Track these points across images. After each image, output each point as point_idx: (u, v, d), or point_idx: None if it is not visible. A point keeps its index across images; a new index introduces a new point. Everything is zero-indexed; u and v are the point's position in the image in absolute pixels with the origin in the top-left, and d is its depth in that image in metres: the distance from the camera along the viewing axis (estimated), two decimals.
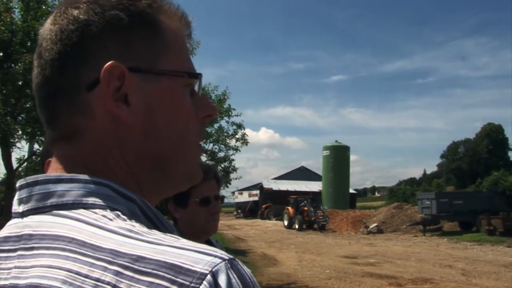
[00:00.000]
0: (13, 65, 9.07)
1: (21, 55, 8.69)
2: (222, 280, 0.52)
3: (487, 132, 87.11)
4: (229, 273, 0.53)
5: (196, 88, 0.74)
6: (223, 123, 16.97)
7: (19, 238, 0.61)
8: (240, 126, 17.14)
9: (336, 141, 58.16)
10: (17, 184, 0.67)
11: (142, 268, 0.52)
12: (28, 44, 8.76)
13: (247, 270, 0.56)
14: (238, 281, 0.53)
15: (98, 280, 0.52)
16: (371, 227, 30.35)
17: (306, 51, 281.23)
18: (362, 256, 17.18)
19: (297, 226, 32.46)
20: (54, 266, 0.55)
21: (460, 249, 19.99)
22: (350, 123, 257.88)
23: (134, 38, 0.67)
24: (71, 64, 0.65)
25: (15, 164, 11.01)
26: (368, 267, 14.44)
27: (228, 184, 17.42)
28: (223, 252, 0.56)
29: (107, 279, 0.52)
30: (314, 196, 38.53)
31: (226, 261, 0.54)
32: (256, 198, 61.93)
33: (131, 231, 0.56)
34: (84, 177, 0.63)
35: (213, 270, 0.52)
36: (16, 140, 10.34)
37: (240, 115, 17.02)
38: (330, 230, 32.20)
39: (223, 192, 17.32)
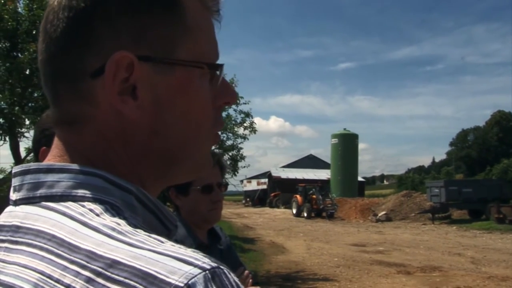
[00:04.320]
0: (19, 54, 9.07)
1: (27, 44, 8.68)
2: None
3: (497, 119, 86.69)
4: (209, 286, 0.48)
5: (217, 74, 0.67)
6: (231, 111, 16.89)
7: (9, 228, 0.60)
8: (248, 115, 17.08)
9: (345, 129, 58.19)
10: (12, 171, 0.64)
11: (115, 276, 0.48)
12: (34, 33, 8.73)
13: (233, 280, 0.51)
14: None
15: (68, 286, 0.50)
16: (379, 215, 30.33)
17: (313, 38, 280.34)
18: (371, 244, 17.17)
19: (305, 214, 32.52)
20: (29, 266, 0.54)
21: (469, 237, 19.92)
22: (358, 110, 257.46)
23: (150, 23, 0.60)
24: (76, 47, 0.60)
25: (23, 154, 11.05)
26: (377, 255, 14.43)
27: (236, 173, 17.42)
28: (207, 260, 0.51)
29: (78, 286, 0.49)
30: (323, 184, 38.58)
31: (207, 272, 0.49)
32: (265, 187, 62.21)
33: (114, 229, 0.53)
34: (76, 167, 0.60)
35: (189, 282, 0.48)
36: (24, 130, 10.36)
37: (248, 103, 16.97)
38: (338, 218, 32.23)
39: (232, 180, 17.36)
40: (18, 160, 10.75)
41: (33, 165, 0.62)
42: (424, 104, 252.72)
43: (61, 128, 0.65)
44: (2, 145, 9.82)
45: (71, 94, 0.62)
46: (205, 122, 0.66)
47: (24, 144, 11.32)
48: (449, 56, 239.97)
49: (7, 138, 9.78)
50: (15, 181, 0.63)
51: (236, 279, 0.52)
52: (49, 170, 0.61)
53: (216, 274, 0.50)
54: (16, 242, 0.57)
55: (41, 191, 0.60)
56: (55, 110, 0.65)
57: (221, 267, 0.51)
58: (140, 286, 0.47)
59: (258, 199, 59.99)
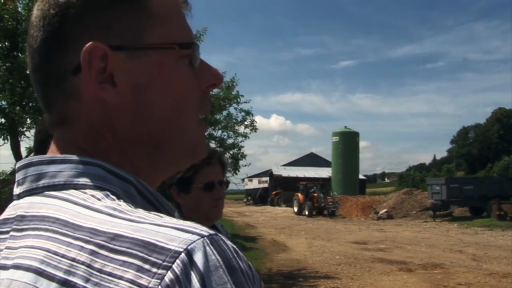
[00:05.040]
0: (19, 54, 9.06)
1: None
2: (198, 257, 0.50)
3: (498, 117, 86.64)
4: (208, 249, 0.50)
5: (195, 57, 0.69)
6: (231, 109, 16.90)
7: (13, 219, 0.62)
8: (248, 113, 17.07)
9: (346, 127, 58.01)
10: (16, 166, 0.67)
11: (117, 247, 0.51)
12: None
13: (231, 246, 0.53)
14: (218, 257, 0.50)
15: (73, 259, 0.52)
16: (381, 212, 30.30)
17: (314, 37, 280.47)
18: (372, 242, 17.17)
19: (307, 213, 32.46)
20: (36, 246, 0.56)
21: (470, 234, 19.91)
22: (359, 108, 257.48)
23: (116, 15, 0.64)
24: (55, 50, 0.64)
25: (24, 154, 11.05)
26: (378, 252, 14.44)
27: (237, 171, 17.42)
28: (205, 228, 0.53)
29: (82, 259, 0.52)
30: (324, 182, 38.58)
31: (205, 237, 0.51)
32: (266, 185, 62.12)
33: (115, 209, 0.56)
34: (77, 157, 0.63)
35: (189, 247, 0.50)
36: (25, 129, 10.36)
37: (248, 102, 16.95)
38: (340, 216, 32.22)
39: (233, 179, 17.35)
40: (19, 159, 10.74)
41: (35, 158, 0.65)
42: (425, 101, 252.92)
43: (56, 130, 0.68)
44: (3, 145, 9.83)
45: (59, 96, 0.65)
46: (188, 104, 0.68)
47: (25, 143, 11.32)
48: (450, 54, 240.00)
49: (8, 138, 9.78)
50: (18, 176, 0.66)
51: (234, 246, 0.54)
52: (51, 162, 0.63)
53: (214, 240, 0.52)
54: (22, 230, 0.60)
55: (43, 181, 0.63)
56: (48, 115, 0.69)
57: (219, 235, 0.53)
58: (142, 254, 0.50)
59: (259, 197, 59.91)
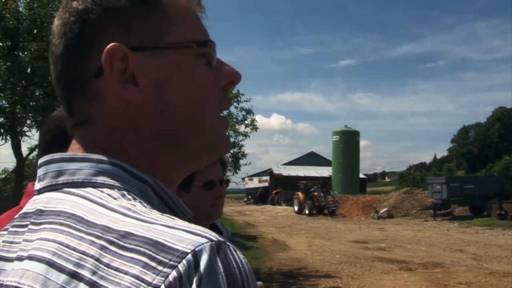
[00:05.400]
0: (20, 53, 9.07)
1: (28, 43, 8.68)
2: (203, 260, 0.50)
3: (498, 116, 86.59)
4: (214, 256, 0.51)
5: (212, 55, 0.71)
6: (232, 109, 16.89)
7: (33, 213, 0.64)
8: (249, 112, 17.08)
9: (346, 126, 57.96)
10: (38, 162, 0.70)
11: (127, 244, 0.53)
12: (35, 32, 8.75)
13: (238, 257, 0.53)
14: (220, 264, 0.51)
15: (83, 253, 0.54)
16: (381, 212, 30.33)
17: (314, 36, 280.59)
18: (373, 241, 17.18)
19: (307, 212, 32.48)
20: (49, 239, 0.58)
21: (471, 233, 19.92)
22: (359, 108, 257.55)
23: (134, 17, 0.66)
24: (77, 56, 0.66)
25: (25, 153, 11.06)
26: (379, 251, 14.44)
27: (237, 170, 17.42)
28: (215, 235, 0.54)
29: (92, 253, 0.53)
30: (324, 182, 38.59)
31: (214, 243, 0.52)
32: (266, 184, 62.09)
33: (129, 209, 0.57)
34: (97, 156, 0.65)
35: (196, 249, 0.51)
36: (26, 129, 10.37)
37: (249, 101, 16.96)
38: (340, 215, 32.26)
39: (233, 178, 17.36)
40: (20, 159, 10.77)
41: (57, 155, 0.67)
42: (425, 101, 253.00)
43: (77, 130, 0.70)
44: (3, 144, 9.84)
45: (82, 99, 0.68)
46: (208, 101, 0.70)
47: (26, 144, 11.32)
48: (450, 53, 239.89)
49: (8, 137, 9.79)
50: (39, 172, 0.68)
51: (242, 257, 0.54)
52: (72, 159, 0.65)
53: (221, 247, 0.52)
54: (39, 223, 0.62)
55: (63, 178, 0.65)
56: (71, 119, 0.71)
57: (228, 243, 0.54)
58: (150, 252, 0.51)
59: (259, 196, 59.90)
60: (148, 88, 0.65)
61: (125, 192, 0.61)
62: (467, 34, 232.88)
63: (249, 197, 64.30)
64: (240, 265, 0.53)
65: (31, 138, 10.69)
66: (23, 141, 10.54)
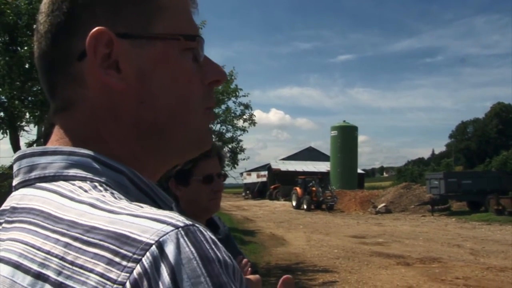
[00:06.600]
0: (19, 48, 9.04)
1: (27, 38, 8.66)
2: (169, 250, 0.48)
3: (496, 111, 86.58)
4: (181, 241, 0.49)
5: (199, 51, 0.70)
6: (230, 103, 16.86)
7: (7, 211, 0.63)
8: (247, 107, 17.03)
9: (344, 121, 57.88)
10: (13, 158, 0.68)
11: (91, 239, 0.51)
12: (34, 27, 8.69)
13: (208, 236, 0.52)
14: (192, 249, 0.49)
15: (48, 252, 0.53)
16: (379, 207, 30.36)
17: (312, 31, 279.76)
18: (370, 236, 17.23)
19: (305, 207, 32.56)
20: (17, 239, 0.57)
21: (468, 228, 19.97)
22: (358, 103, 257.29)
23: (124, 3, 0.65)
24: (62, 35, 0.65)
25: (23, 148, 11.02)
26: (376, 246, 14.49)
27: (235, 165, 17.42)
28: (182, 219, 0.52)
29: (56, 252, 0.52)
30: (322, 177, 38.52)
31: (180, 228, 0.50)
32: (265, 179, 62.12)
33: (98, 199, 0.56)
34: (68, 148, 0.63)
35: (161, 239, 0.49)
36: (24, 124, 10.34)
37: (247, 96, 16.92)
38: (338, 210, 32.29)
39: (231, 173, 17.35)
40: None
41: (28, 150, 0.66)
42: (424, 96, 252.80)
43: (58, 116, 0.68)
44: (2, 139, 9.82)
45: (63, 81, 0.66)
46: (192, 95, 0.69)
47: (24, 139, 11.30)
48: (449, 48, 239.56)
49: (7, 132, 9.77)
50: (14, 167, 0.67)
51: (212, 236, 0.53)
52: (43, 153, 0.64)
53: (190, 230, 0.51)
54: (12, 222, 0.61)
55: (35, 173, 0.63)
56: (52, 103, 0.69)
57: (197, 225, 0.52)
58: (113, 247, 0.49)
59: (258, 191, 59.91)
60: (131, 76, 0.64)
61: (96, 184, 0.59)
62: (466, 29, 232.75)
63: (247, 192, 64.28)
64: (213, 245, 0.51)
65: (29, 133, 10.66)
66: (21, 136, 10.52)
